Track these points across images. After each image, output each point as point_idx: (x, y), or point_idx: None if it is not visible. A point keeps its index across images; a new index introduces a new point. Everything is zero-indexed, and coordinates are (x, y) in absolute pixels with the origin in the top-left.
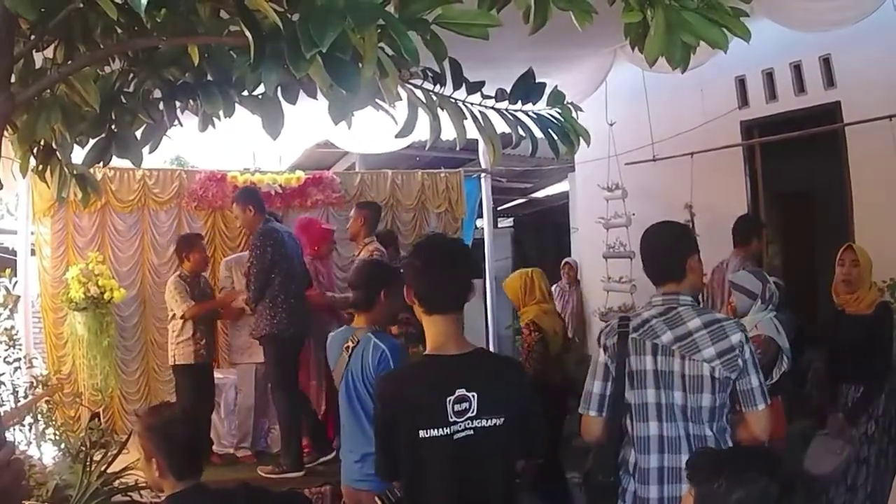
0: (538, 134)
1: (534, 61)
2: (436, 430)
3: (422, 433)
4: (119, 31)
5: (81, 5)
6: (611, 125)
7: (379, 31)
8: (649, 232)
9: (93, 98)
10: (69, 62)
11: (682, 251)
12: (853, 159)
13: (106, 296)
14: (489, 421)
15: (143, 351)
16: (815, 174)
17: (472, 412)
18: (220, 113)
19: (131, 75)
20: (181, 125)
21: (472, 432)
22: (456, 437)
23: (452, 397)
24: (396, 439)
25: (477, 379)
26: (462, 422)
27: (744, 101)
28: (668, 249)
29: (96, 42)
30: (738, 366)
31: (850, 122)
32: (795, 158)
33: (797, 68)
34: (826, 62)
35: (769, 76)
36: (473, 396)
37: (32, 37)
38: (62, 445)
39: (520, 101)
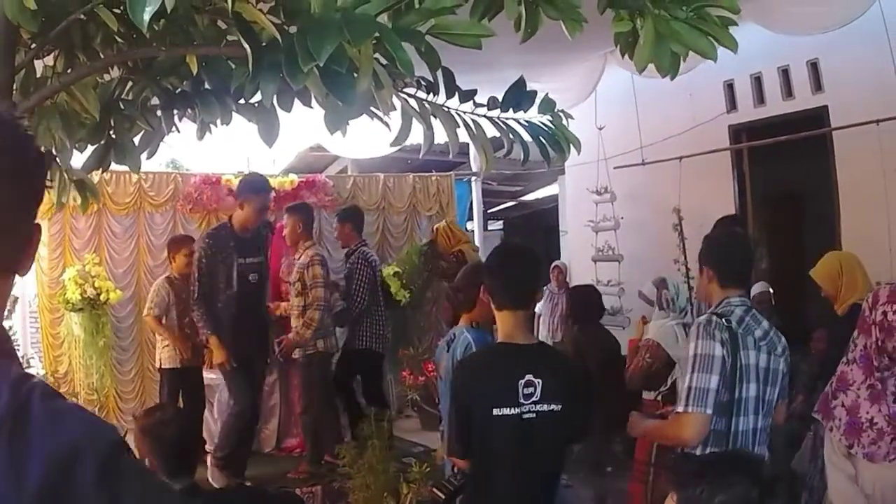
0: (529, 140)
1: (525, 66)
2: (508, 409)
3: (495, 411)
4: (118, 40)
5: (82, 16)
6: (600, 129)
7: (374, 42)
8: (737, 241)
9: (92, 106)
10: (69, 71)
11: (754, 259)
12: (840, 163)
13: (102, 297)
14: (548, 406)
15: (138, 351)
16: (803, 178)
17: (537, 397)
18: (218, 120)
19: (130, 83)
20: (179, 132)
21: (534, 415)
22: (524, 416)
23: (523, 381)
24: (471, 418)
25: (542, 367)
26: (528, 404)
27: (732, 105)
28: (751, 256)
29: (96, 51)
30: (788, 363)
31: (838, 127)
32: (783, 162)
33: (785, 72)
34: (814, 66)
35: (757, 80)
36: (539, 382)
37: (33, 46)
38: None
39: (511, 109)
